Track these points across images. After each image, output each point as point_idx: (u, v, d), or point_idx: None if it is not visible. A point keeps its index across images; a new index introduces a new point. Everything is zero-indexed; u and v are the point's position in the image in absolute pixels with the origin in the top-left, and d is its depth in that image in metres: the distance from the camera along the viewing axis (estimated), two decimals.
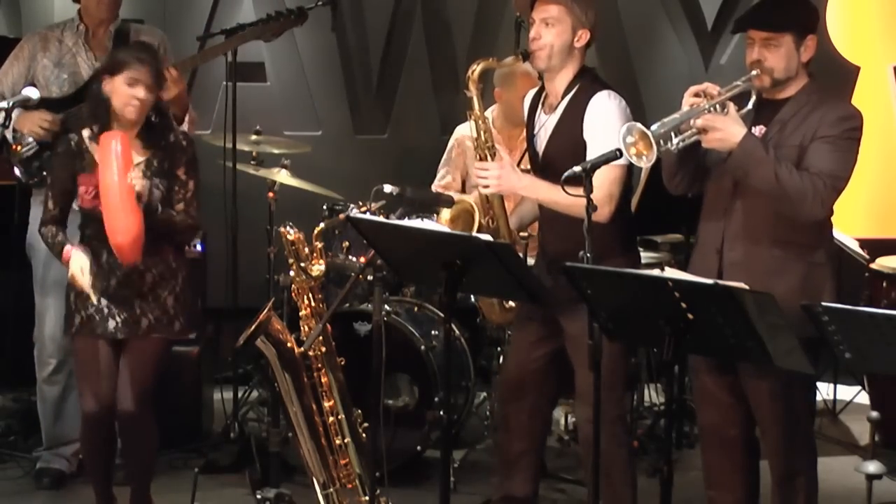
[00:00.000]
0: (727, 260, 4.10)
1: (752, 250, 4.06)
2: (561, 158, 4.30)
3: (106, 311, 4.57)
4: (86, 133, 4.60)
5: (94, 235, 4.57)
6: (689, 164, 4.17)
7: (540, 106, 4.59)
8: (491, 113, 6.20)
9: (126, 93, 4.50)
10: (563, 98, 4.48)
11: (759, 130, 4.08)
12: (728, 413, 4.24)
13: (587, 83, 4.46)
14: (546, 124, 4.52)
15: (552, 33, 4.43)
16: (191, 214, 4.64)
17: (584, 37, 4.45)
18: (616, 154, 4.12)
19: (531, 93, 4.75)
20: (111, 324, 4.58)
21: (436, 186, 6.12)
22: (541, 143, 4.54)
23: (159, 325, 4.61)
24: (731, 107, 3.97)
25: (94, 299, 4.52)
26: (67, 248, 4.53)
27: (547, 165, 4.47)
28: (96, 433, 4.66)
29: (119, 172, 4.39)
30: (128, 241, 4.43)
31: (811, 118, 4.03)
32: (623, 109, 4.41)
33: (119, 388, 4.60)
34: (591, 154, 4.25)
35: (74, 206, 4.66)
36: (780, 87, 4.10)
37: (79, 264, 4.49)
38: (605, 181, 4.28)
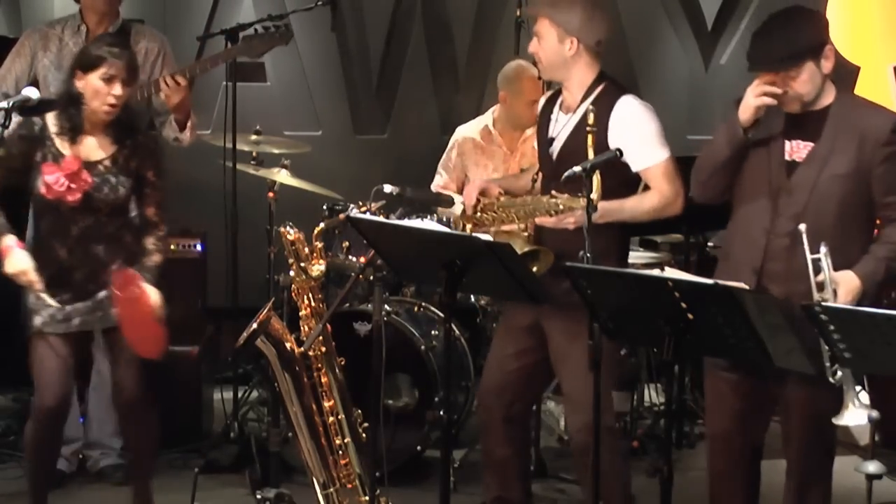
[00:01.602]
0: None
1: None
2: (577, 158, 4.24)
3: (70, 307, 4.53)
4: (52, 125, 4.52)
5: (50, 229, 4.52)
6: (732, 173, 4.16)
7: (557, 107, 4.58)
8: (492, 114, 6.21)
9: (103, 90, 4.45)
10: (582, 101, 4.46)
11: (805, 147, 4.03)
12: (741, 421, 4.18)
13: (609, 87, 4.47)
14: (565, 124, 4.50)
15: (541, 46, 4.47)
16: (161, 217, 4.61)
17: (573, 45, 4.44)
18: (616, 154, 4.13)
19: (545, 97, 4.75)
20: (76, 319, 4.54)
21: (434, 188, 6.12)
22: (557, 143, 4.52)
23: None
24: (834, 279, 3.88)
25: (45, 299, 4.48)
26: (6, 242, 4.44)
27: (561, 164, 4.44)
28: (46, 431, 4.62)
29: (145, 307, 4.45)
30: (159, 350, 4.52)
31: (858, 134, 3.98)
32: (654, 115, 4.44)
33: (119, 378, 4.60)
34: (633, 160, 4.27)
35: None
36: (813, 103, 4.05)
37: (16, 267, 4.43)
38: (671, 178, 4.37)
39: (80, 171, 4.46)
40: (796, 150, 4.06)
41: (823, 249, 3.88)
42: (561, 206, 4.23)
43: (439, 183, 6.15)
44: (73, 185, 4.45)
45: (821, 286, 3.88)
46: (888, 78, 7.33)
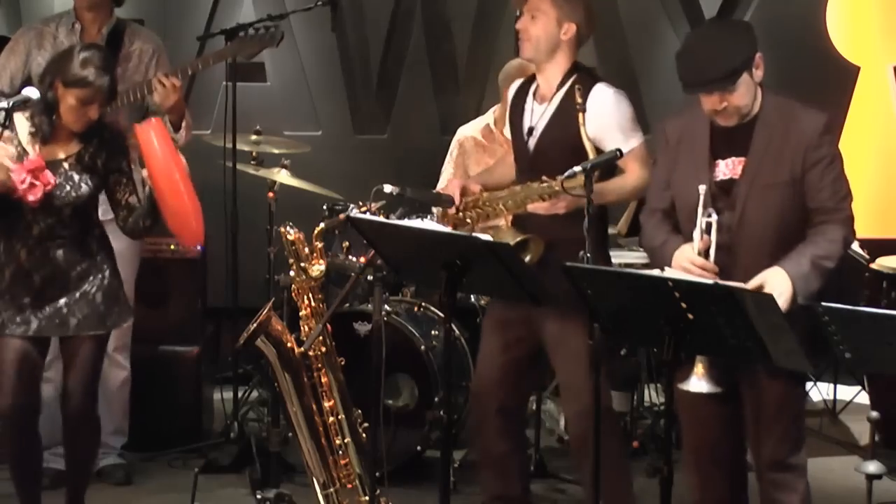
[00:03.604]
0: None
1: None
2: (557, 148, 4.32)
3: (28, 310, 4.49)
4: (21, 125, 4.47)
5: (12, 227, 4.47)
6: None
7: (531, 96, 4.59)
8: (493, 113, 6.21)
9: (79, 111, 4.41)
10: (557, 90, 4.49)
11: (734, 163, 3.98)
12: (722, 428, 4.08)
13: (583, 76, 4.48)
14: (542, 114, 4.52)
15: (537, 25, 4.49)
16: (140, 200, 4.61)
17: (570, 30, 4.48)
18: (616, 154, 4.15)
19: (516, 83, 4.76)
20: (34, 323, 4.49)
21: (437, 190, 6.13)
22: (535, 133, 4.54)
23: (89, 322, 4.53)
24: (763, 280, 3.83)
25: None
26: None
27: (539, 155, 4.47)
28: (16, 434, 4.56)
29: (172, 157, 4.36)
30: (200, 224, 4.43)
31: (789, 140, 3.92)
32: (628, 101, 4.49)
33: (70, 388, 4.58)
34: (609, 146, 4.28)
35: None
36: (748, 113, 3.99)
37: None
38: (646, 162, 4.41)
39: (42, 168, 4.41)
40: (731, 167, 4.00)
41: (714, 216, 3.90)
42: (556, 188, 4.23)
43: (442, 184, 6.16)
44: (35, 183, 4.38)
45: (705, 251, 3.90)
46: (888, 78, 7.33)
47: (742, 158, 3.98)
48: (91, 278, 4.54)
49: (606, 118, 4.41)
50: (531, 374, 4.76)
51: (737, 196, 3.96)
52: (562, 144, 4.34)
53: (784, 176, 3.93)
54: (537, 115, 4.53)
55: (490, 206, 4.48)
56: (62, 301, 4.50)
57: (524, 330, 4.55)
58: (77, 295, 4.52)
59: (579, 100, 4.28)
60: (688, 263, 3.93)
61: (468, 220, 4.52)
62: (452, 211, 4.54)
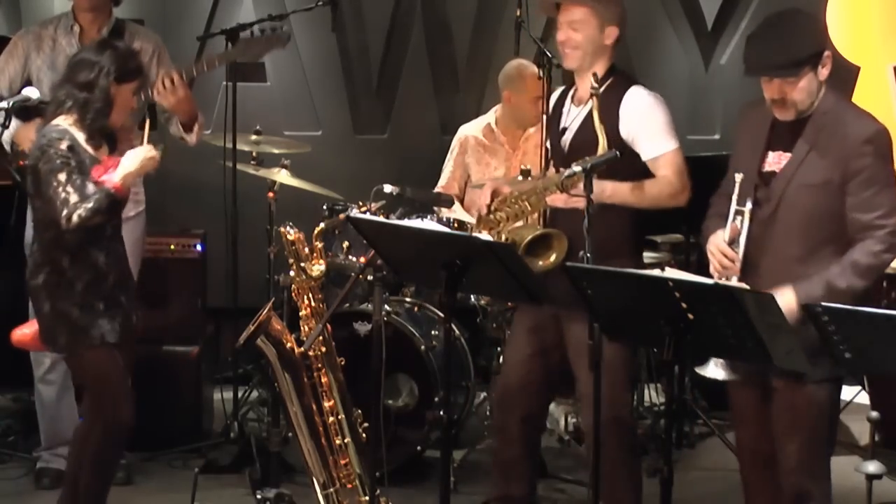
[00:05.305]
0: None
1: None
2: (588, 150, 4.27)
3: (107, 315, 4.49)
4: (77, 130, 4.45)
5: (86, 234, 4.44)
6: None
7: (569, 99, 4.61)
8: (494, 113, 6.22)
9: (132, 101, 4.50)
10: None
11: (779, 157, 3.99)
12: (765, 427, 4.08)
13: (619, 78, 4.50)
14: (576, 116, 4.54)
15: (580, 34, 4.47)
16: None
17: (612, 33, 4.49)
18: (616, 155, 4.14)
19: (558, 91, 4.77)
20: (117, 327, 4.51)
21: (438, 188, 6.13)
22: (569, 133, 4.55)
23: (140, 318, 4.62)
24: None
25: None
26: (109, 179, 4.36)
27: (573, 153, 4.46)
28: (120, 446, 4.60)
29: None
30: None
31: (834, 144, 3.89)
32: (664, 106, 4.47)
33: (128, 393, 4.59)
34: (645, 148, 4.30)
35: None
36: (807, 110, 3.96)
37: (131, 159, 4.42)
38: (679, 169, 4.40)
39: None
40: (776, 160, 4.00)
41: (749, 206, 3.90)
42: (574, 176, 4.21)
43: (442, 183, 6.16)
44: None
45: (733, 239, 3.91)
46: (888, 78, 7.32)
47: (788, 154, 3.98)
48: (132, 273, 4.64)
49: (641, 121, 4.41)
50: (554, 382, 4.76)
51: (773, 191, 3.97)
52: (594, 144, 4.31)
53: (821, 178, 3.91)
54: (573, 116, 4.55)
55: (517, 203, 4.46)
56: (123, 299, 4.54)
57: (555, 337, 4.55)
58: (131, 292, 4.58)
59: (595, 84, 4.27)
60: (714, 248, 3.97)
61: (500, 221, 4.50)
62: (484, 212, 4.53)
